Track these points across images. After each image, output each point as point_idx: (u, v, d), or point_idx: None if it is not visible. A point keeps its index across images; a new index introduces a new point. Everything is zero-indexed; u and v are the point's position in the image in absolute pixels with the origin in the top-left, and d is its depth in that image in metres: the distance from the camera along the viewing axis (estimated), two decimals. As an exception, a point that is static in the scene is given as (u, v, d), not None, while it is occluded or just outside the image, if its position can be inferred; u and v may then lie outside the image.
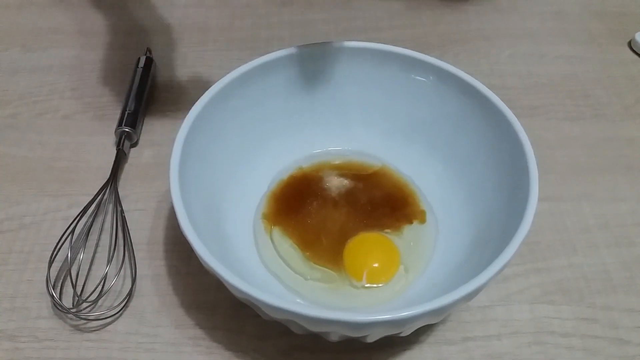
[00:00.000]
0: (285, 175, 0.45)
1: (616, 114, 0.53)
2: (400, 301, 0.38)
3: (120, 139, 0.47)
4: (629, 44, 0.59)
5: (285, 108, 0.44)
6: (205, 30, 0.61)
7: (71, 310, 0.38)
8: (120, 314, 0.39)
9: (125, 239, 0.42)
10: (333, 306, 0.37)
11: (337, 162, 0.46)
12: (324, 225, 0.41)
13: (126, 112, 0.48)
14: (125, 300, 0.39)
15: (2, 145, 0.49)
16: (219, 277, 0.32)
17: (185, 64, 0.57)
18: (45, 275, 0.39)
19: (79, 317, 0.38)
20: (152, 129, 0.51)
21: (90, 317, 0.38)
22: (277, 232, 0.41)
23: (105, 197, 0.43)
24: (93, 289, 0.39)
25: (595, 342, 0.38)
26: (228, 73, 0.41)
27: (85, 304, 0.38)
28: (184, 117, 0.39)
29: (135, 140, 0.48)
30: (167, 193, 0.35)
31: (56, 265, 0.40)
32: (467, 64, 0.57)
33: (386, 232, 0.41)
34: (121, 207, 0.43)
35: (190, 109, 0.39)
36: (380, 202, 0.43)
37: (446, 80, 0.42)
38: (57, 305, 0.38)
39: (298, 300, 0.38)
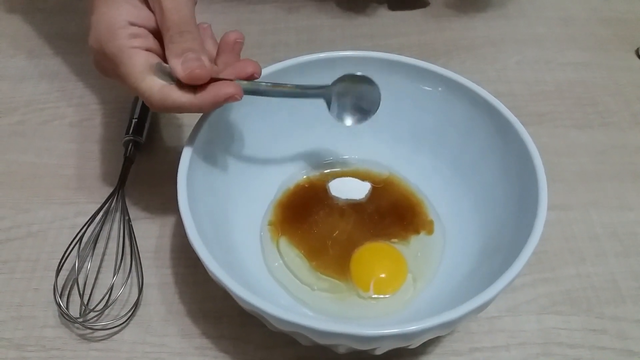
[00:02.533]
0: (292, 184, 0.45)
1: (624, 121, 0.52)
2: (408, 312, 0.37)
3: (127, 146, 0.47)
4: (636, 51, 0.58)
5: (293, 116, 0.44)
6: (212, 37, 0.60)
7: (78, 319, 0.38)
8: (127, 323, 0.39)
9: (132, 247, 0.42)
10: (340, 317, 0.37)
11: (344, 170, 0.45)
12: (331, 234, 0.41)
13: (133, 120, 0.48)
14: (132, 310, 0.39)
15: (10, 152, 0.49)
16: (226, 288, 0.32)
17: (191, 71, 0.57)
18: (53, 283, 0.39)
19: (85, 327, 0.38)
20: (159, 136, 0.51)
21: (97, 327, 0.38)
22: (283, 241, 0.41)
23: (112, 205, 0.43)
24: (100, 297, 0.39)
25: (603, 354, 0.38)
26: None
27: (92, 314, 0.38)
28: (192, 124, 0.39)
29: (143, 147, 0.48)
30: (175, 200, 0.35)
31: (63, 273, 0.40)
32: (474, 70, 0.56)
33: (393, 242, 0.41)
34: (128, 215, 0.43)
35: (198, 117, 0.39)
36: (387, 212, 0.43)
37: (453, 89, 0.42)
38: (64, 315, 0.38)
39: (305, 311, 0.38)
